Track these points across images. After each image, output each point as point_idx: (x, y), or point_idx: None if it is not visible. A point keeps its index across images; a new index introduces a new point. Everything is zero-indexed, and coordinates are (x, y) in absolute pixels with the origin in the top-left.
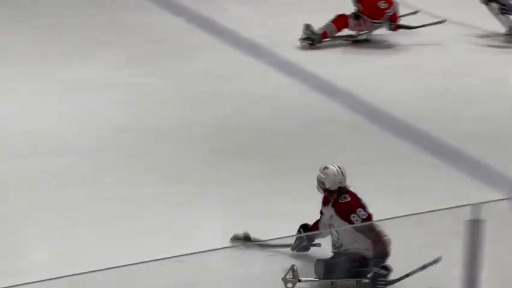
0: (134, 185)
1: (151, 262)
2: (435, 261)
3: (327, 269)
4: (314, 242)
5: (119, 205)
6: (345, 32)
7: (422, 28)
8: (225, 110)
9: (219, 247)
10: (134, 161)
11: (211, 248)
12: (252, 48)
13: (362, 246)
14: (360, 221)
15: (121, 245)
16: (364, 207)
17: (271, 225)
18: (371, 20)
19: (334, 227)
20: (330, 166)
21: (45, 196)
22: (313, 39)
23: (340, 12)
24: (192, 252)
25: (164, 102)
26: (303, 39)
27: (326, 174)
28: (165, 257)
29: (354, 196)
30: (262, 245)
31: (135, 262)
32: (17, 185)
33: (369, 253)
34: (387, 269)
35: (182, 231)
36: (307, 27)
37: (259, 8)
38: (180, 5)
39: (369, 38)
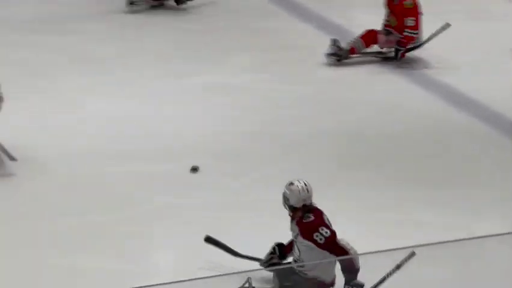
0: (259, 191)
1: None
2: (409, 257)
3: (283, 283)
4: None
5: (243, 211)
6: (375, 48)
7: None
8: (351, 118)
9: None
10: (259, 167)
11: None
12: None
13: (325, 273)
14: (323, 239)
15: (244, 249)
16: (327, 226)
17: (402, 233)
18: (400, 36)
19: (297, 246)
20: (296, 182)
21: (172, 199)
22: (340, 55)
23: (372, 28)
24: None
25: (290, 108)
26: (330, 55)
27: (290, 190)
28: None
29: (318, 215)
30: (233, 254)
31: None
32: (145, 188)
33: (330, 281)
34: (359, 285)
35: None
36: (334, 42)
37: None
38: (309, 12)
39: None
